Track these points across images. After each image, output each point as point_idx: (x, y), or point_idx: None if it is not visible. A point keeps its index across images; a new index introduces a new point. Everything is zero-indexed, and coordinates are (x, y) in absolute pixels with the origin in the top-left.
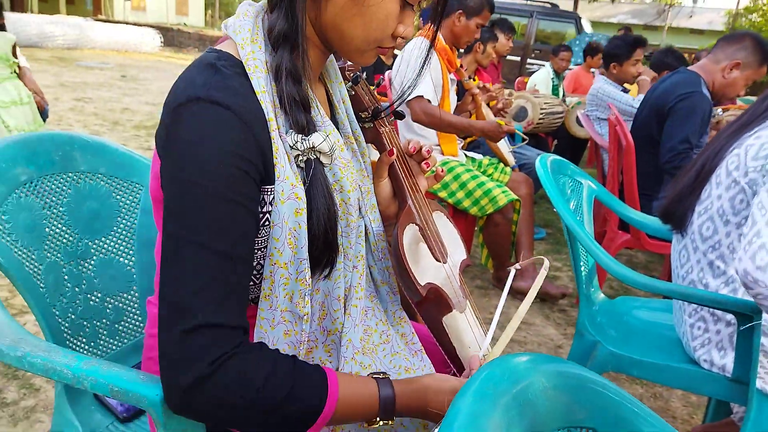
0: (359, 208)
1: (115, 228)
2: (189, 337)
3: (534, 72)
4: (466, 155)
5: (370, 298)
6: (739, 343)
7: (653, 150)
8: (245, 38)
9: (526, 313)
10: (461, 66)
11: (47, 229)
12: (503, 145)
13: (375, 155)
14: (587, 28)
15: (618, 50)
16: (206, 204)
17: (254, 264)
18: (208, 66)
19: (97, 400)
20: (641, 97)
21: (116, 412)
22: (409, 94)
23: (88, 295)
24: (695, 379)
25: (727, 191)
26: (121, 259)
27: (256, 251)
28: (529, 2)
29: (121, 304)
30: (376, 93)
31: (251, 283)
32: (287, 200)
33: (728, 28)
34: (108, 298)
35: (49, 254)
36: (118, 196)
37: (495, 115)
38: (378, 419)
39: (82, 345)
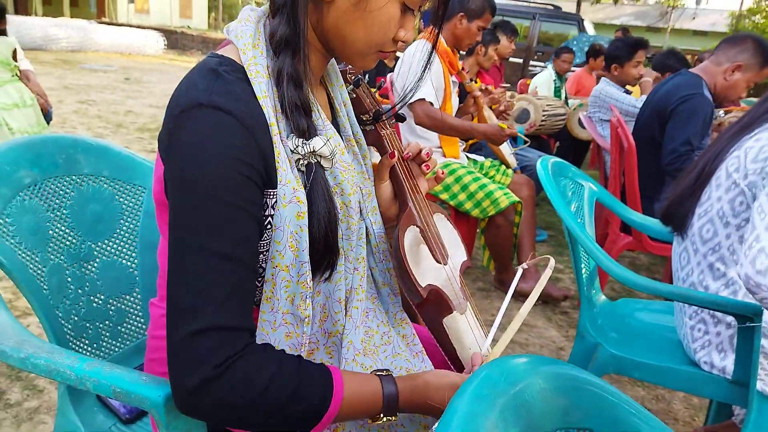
0: (360, 211)
1: (118, 230)
2: (195, 339)
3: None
4: (467, 157)
5: (371, 299)
6: (739, 345)
7: (655, 152)
8: (247, 43)
9: (527, 314)
10: (463, 68)
11: (51, 232)
12: (505, 147)
13: (376, 157)
14: (590, 30)
15: (619, 52)
16: (206, 206)
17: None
18: (210, 71)
19: (100, 402)
20: (644, 98)
21: (119, 414)
22: (411, 97)
23: (91, 297)
24: (696, 381)
25: (726, 193)
26: (124, 261)
27: (258, 254)
28: (531, 4)
29: (123, 306)
30: (377, 95)
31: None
32: (289, 204)
33: (731, 29)
34: (111, 300)
35: (52, 256)
36: (121, 199)
37: (497, 118)
38: (381, 415)
39: (85, 346)
